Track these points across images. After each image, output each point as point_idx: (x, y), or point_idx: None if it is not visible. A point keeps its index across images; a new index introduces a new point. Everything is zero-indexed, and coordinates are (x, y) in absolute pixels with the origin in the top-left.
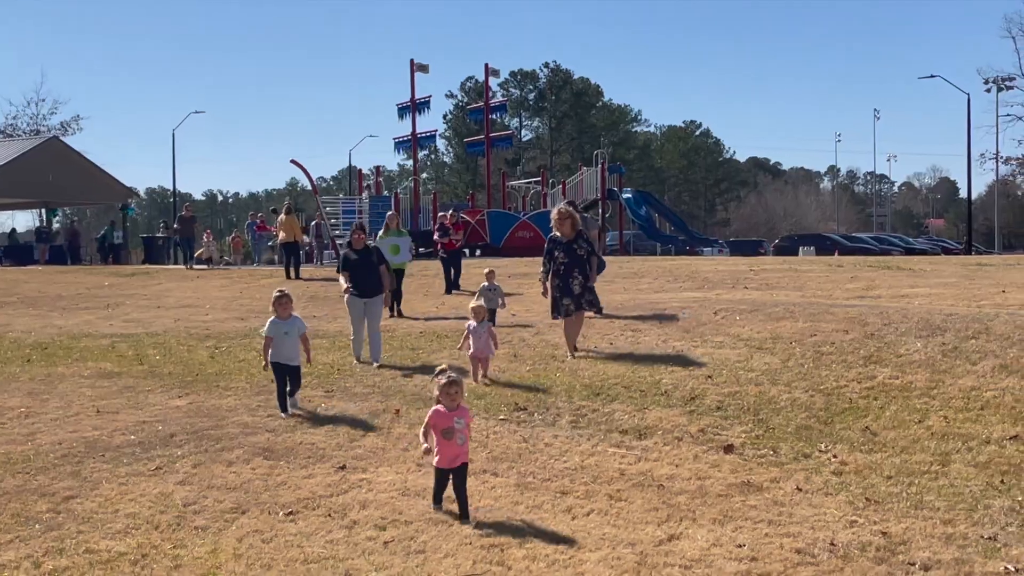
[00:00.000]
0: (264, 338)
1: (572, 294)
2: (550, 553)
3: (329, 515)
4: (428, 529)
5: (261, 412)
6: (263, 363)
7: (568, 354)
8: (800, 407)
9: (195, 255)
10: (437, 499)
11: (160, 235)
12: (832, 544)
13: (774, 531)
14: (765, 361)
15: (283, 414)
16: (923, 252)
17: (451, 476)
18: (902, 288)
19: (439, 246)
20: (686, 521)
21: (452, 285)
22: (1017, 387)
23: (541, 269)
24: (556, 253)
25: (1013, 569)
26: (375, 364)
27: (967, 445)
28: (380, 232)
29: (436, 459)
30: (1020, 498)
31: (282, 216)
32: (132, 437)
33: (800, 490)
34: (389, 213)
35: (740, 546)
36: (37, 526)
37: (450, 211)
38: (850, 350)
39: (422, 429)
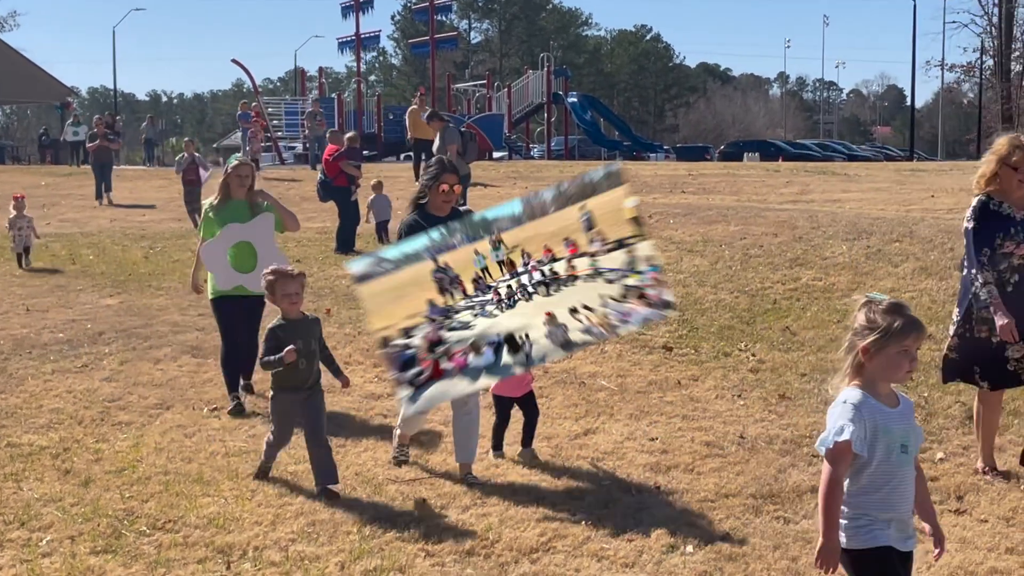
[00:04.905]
0: None
1: None
2: None
3: (253, 412)
4: (353, 425)
5: (192, 311)
6: None
7: (985, 468)
8: (724, 308)
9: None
10: None
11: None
12: (741, 437)
13: (687, 425)
14: (694, 263)
15: None
16: (866, 159)
17: None
18: (835, 193)
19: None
20: (603, 416)
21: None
22: (935, 288)
23: (974, 270)
24: (1000, 242)
25: None
26: None
27: None
28: (206, 205)
29: None
30: (926, 394)
31: None
32: (60, 335)
33: (717, 387)
34: (232, 164)
35: (653, 439)
36: None
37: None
38: (777, 252)
39: None
